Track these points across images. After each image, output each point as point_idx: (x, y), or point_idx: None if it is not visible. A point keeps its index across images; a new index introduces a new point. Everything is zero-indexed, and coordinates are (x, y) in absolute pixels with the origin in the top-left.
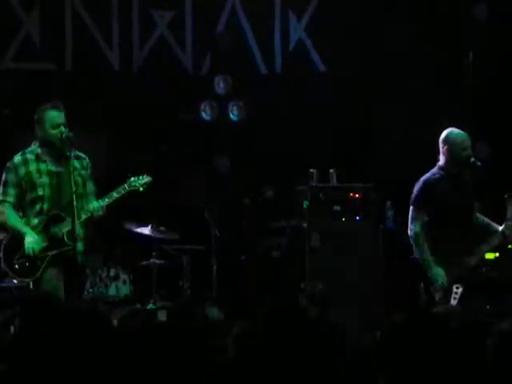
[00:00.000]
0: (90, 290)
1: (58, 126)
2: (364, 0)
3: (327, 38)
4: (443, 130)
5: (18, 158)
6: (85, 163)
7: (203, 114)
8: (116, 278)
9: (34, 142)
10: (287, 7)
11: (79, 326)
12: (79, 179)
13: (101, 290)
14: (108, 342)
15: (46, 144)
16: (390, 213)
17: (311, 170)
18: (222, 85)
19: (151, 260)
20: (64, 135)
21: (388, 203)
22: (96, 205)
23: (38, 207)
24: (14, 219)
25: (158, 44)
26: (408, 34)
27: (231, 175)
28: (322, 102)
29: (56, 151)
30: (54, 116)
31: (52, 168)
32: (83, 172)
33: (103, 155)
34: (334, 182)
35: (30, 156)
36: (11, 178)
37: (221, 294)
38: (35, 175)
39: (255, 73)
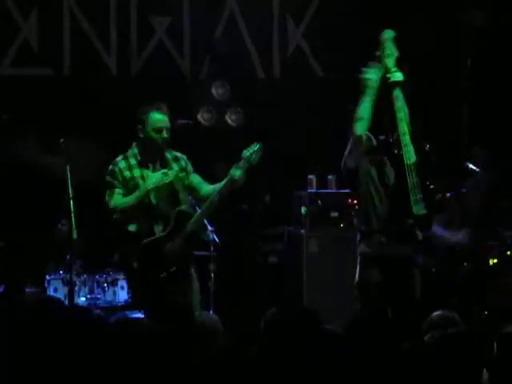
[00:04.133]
0: (88, 296)
1: (161, 130)
2: (362, 5)
3: (325, 44)
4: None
5: (122, 163)
6: (183, 162)
7: (201, 120)
8: (114, 283)
9: (133, 144)
10: (285, 12)
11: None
12: (184, 177)
13: (98, 295)
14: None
15: (147, 147)
16: None
17: (310, 176)
18: (219, 90)
19: None
20: (164, 140)
21: None
22: (209, 188)
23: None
24: (129, 196)
25: (155, 49)
26: (406, 39)
27: None
28: (320, 108)
29: (157, 154)
30: (158, 119)
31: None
32: (184, 171)
33: (100, 160)
34: (332, 188)
35: (132, 161)
36: (117, 180)
37: (218, 299)
38: (140, 181)
39: (253, 78)
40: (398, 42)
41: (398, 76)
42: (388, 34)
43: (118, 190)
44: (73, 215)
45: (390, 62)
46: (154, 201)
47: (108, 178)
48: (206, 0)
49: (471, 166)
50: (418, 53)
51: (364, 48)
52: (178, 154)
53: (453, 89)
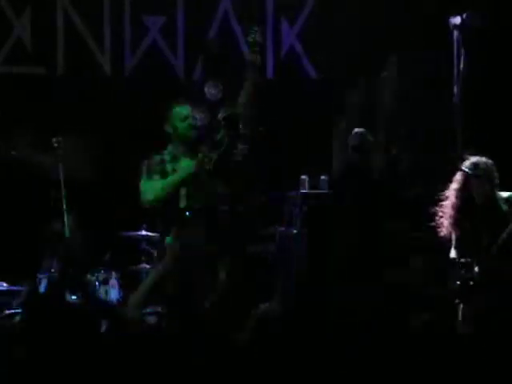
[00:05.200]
0: (78, 294)
1: (186, 118)
2: (356, 7)
3: (319, 45)
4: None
5: (156, 157)
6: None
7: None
8: (105, 282)
9: (168, 145)
10: (279, 13)
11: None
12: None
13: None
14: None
15: (177, 139)
16: None
17: (302, 177)
18: (212, 90)
19: (141, 264)
20: (191, 127)
21: None
22: None
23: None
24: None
25: (149, 49)
26: (400, 40)
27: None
28: (313, 108)
29: (188, 144)
30: (180, 110)
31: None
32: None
33: (94, 158)
34: (325, 188)
35: (166, 157)
36: (155, 169)
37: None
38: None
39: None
40: (391, 46)
41: None
42: None
43: (160, 184)
44: (65, 214)
45: None
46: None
47: (146, 168)
48: (199, 0)
49: (465, 168)
50: (409, 52)
51: (357, 49)
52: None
53: (445, 90)
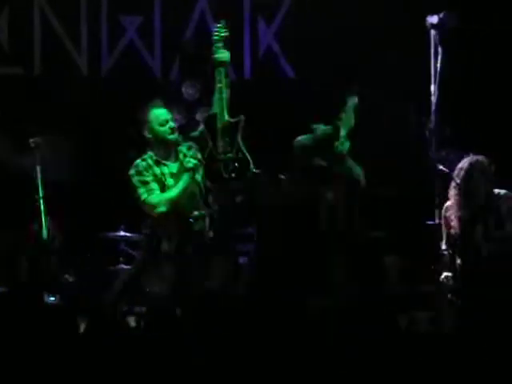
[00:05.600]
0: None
1: (166, 121)
2: (334, 6)
3: (297, 44)
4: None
5: (141, 164)
6: (193, 151)
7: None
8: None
9: (148, 150)
10: (256, 13)
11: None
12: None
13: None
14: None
15: (158, 143)
16: None
17: (280, 176)
18: (190, 90)
19: (119, 265)
20: (172, 131)
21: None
22: None
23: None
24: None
25: (126, 49)
26: (378, 40)
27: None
28: (291, 108)
29: (169, 148)
30: (160, 113)
31: (173, 170)
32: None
33: (72, 159)
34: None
35: (150, 162)
36: (148, 176)
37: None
38: (162, 178)
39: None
40: (370, 46)
41: (345, 146)
42: (352, 101)
43: (155, 185)
44: (43, 215)
45: (344, 130)
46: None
47: (138, 177)
48: (176, 0)
49: (442, 168)
50: (388, 54)
51: (335, 49)
52: (188, 143)
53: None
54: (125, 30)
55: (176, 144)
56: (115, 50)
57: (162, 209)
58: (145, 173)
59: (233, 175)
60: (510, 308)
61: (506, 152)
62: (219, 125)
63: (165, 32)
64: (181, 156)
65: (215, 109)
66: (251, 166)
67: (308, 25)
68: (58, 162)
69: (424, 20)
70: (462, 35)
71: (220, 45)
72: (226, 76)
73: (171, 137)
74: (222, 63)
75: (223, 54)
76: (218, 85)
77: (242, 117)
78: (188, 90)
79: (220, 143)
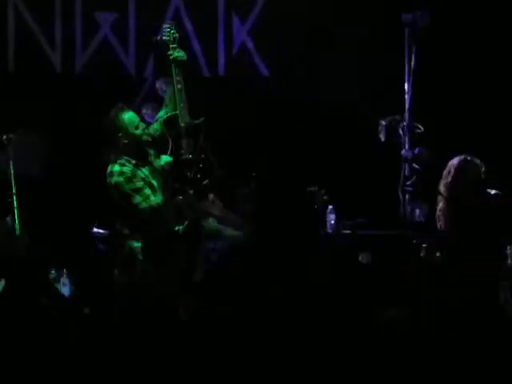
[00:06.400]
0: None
1: (138, 126)
2: (309, 4)
3: (271, 42)
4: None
5: (125, 168)
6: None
7: (146, 117)
8: (56, 279)
9: (115, 156)
10: (231, 10)
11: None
12: None
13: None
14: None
15: (134, 147)
16: (331, 217)
17: (254, 174)
18: (164, 87)
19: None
20: (146, 133)
21: (329, 208)
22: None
23: None
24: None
25: (100, 46)
26: (353, 38)
27: None
28: (265, 106)
29: (144, 150)
30: (131, 116)
31: (149, 170)
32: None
33: (45, 156)
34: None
35: (131, 166)
36: (138, 181)
37: None
38: (147, 179)
39: (198, 75)
40: (344, 44)
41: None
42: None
43: (148, 191)
44: (16, 212)
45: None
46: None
47: (129, 186)
48: None
49: (416, 166)
50: (362, 55)
51: (310, 48)
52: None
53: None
54: (99, 27)
55: (147, 144)
56: (89, 47)
57: (164, 211)
58: (134, 179)
59: (198, 176)
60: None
61: (479, 150)
62: (182, 125)
63: (139, 29)
64: (150, 156)
65: (174, 109)
66: (215, 167)
67: (282, 23)
68: (31, 159)
69: (400, 18)
70: (434, 34)
71: (174, 45)
72: (184, 75)
73: (145, 137)
74: (179, 63)
75: (179, 54)
76: (178, 86)
77: (203, 119)
78: (162, 87)
79: (183, 144)
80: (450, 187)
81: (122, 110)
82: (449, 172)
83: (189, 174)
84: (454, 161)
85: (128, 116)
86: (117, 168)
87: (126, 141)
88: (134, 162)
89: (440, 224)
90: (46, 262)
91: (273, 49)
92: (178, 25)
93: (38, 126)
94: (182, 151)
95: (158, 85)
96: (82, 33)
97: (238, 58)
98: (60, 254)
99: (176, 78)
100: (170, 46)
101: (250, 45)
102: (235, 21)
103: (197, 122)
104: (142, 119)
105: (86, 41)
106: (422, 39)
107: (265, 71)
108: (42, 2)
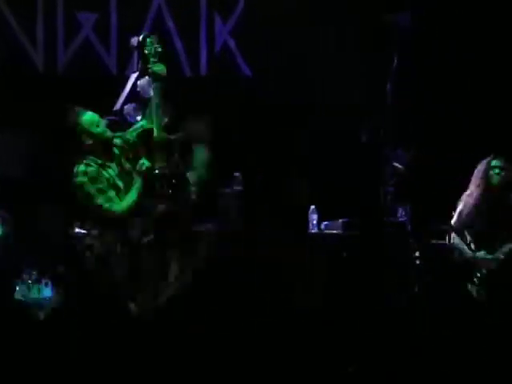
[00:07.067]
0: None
1: (99, 122)
2: (291, 4)
3: (253, 42)
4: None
5: (90, 168)
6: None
7: (128, 117)
8: (38, 280)
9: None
10: (213, 10)
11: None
12: None
13: (23, 292)
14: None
15: (99, 147)
16: (313, 217)
17: (236, 174)
18: (146, 86)
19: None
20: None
21: (311, 208)
22: None
23: None
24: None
25: (82, 45)
26: (334, 38)
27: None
28: (246, 106)
29: (108, 150)
30: (90, 116)
31: (115, 170)
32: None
33: (27, 156)
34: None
35: (96, 166)
36: (102, 182)
37: None
38: (111, 180)
39: (180, 75)
40: (325, 43)
41: None
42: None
43: (112, 193)
44: None
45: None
46: None
47: (94, 186)
48: None
49: (397, 164)
50: (343, 53)
51: (292, 48)
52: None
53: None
54: (81, 27)
55: (112, 142)
56: (71, 47)
57: (126, 213)
58: (98, 180)
59: (170, 191)
60: None
61: (461, 150)
62: (157, 139)
63: (121, 28)
64: (116, 152)
65: (150, 123)
66: (190, 184)
67: (264, 22)
68: (10, 158)
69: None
70: (416, 35)
71: (155, 59)
72: (163, 90)
73: (109, 134)
74: (158, 77)
75: (159, 68)
76: (155, 100)
77: (181, 134)
78: (144, 87)
79: (157, 158)
80: None
81: (80, 111)
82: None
83: (160, 188)
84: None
85: (87, 117)
86: (82, 168)
87: (90, 141)
88: (100, 162)
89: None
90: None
91: (255, 49)
92: (166, 42)
93: (20, 126)
94: (155, 165)
95: (140, 84)
96: (63, 32)
97: (220, 57)
98: (41, 255)
99: (154, 92)
100: (151, 59)
101: (232, 44)
102: (217, 20)
103: (173, 137)
104: (125, 119)
105: (68, 40)
106: (402, 40)
107: (247, 71)
108: (23, 2)
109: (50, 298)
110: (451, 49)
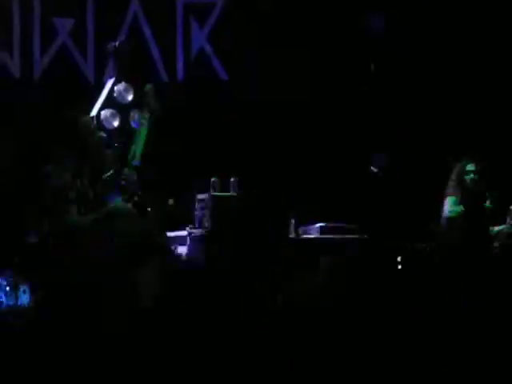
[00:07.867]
0: None
1: (94, 130)
2: (265, 9)
3: (229, 47)
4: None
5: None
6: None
7: (105, 123)
8: (15, 286)
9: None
10: (189, 15)
11: None
12: None
13: (0, 299)
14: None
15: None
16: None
17: (213, 179)
18: (123, 92)
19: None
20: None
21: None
22: None
23: None
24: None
25: (59, 52)
26: (309, 43)
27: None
28: (224, 110)
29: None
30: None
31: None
32: None
33: (5, 163)
34: (235, 190)
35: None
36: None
37: None
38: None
39: (157, 81)
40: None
41: None
42: None
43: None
44: None
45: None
46: None
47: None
48: (109, 2)
49: (374, 169)
50: (319, 59)
51: (267, 53)
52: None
53: (354, 94)
54: (57, 33)
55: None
56: (48, 53)
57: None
58: (68, 187)
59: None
60: None
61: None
62: (130, 163)
63: (97, 34)
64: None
65: (134, 149)
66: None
67: (241, 27)
68: None
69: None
70: (390, 38)
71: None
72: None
73: (101, 143)
74: (153, 111)
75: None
76: (143, 129)
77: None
78: (121, 92)
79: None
80: None
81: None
82: None
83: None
84: None
85: (83, 122)
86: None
87: (81, 146)
88: (80, 168)
89: None
90: None
91: (232, 53)
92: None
93: None
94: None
95: (117, 90)
96: (40, 38)
97: (197, 62)
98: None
99: (143, 123)
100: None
101: (208, 49)
102: (194, 25)
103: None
104: (102, 125)
105: (45, 46)
106: (377, 43)
107: (224, 75)
108: None
109: (28, 304)
110: (426, 50)
